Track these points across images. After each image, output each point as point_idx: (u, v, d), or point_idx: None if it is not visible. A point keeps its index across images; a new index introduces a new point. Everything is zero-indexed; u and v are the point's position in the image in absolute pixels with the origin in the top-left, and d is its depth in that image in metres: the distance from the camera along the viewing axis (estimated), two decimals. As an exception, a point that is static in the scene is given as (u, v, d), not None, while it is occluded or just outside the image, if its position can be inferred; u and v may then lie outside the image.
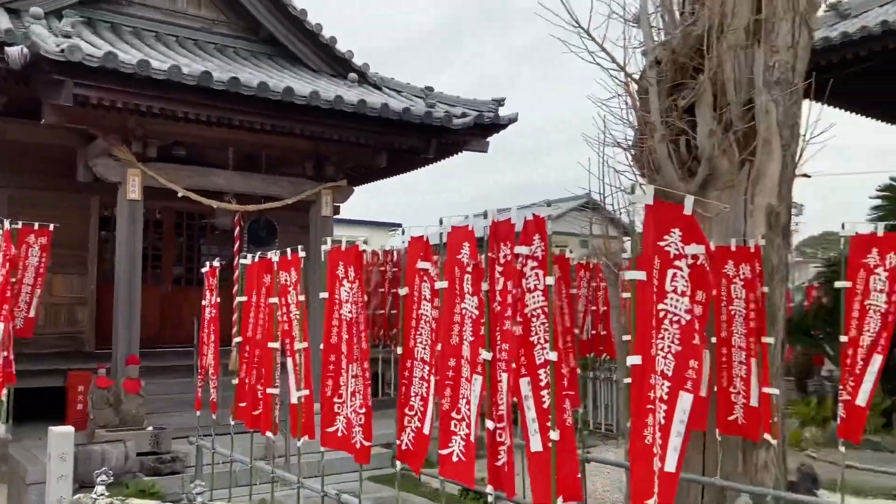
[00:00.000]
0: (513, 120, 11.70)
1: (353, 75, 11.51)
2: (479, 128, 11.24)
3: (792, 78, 5.56)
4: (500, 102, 11.82)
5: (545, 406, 3.58)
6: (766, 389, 5.02)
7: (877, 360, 4.71)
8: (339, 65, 12.03)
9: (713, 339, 5.19)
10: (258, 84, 8.84)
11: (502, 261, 3.85)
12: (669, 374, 3.17)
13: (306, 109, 9.23)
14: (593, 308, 9.95)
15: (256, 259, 6.20)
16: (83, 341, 11.50)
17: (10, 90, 9.07)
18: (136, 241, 9.51)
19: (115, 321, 9.36)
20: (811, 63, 12.11)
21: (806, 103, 5.80)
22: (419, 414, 4.35)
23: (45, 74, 7.98)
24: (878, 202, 10.26)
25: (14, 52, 7.91)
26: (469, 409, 3.94)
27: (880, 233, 4.83)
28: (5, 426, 8.16)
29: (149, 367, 9.48)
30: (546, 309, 3.65)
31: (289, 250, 5.64)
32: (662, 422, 3.11)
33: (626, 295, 4.11)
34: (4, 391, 7.81)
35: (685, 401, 3.15)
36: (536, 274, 3.68)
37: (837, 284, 4.99)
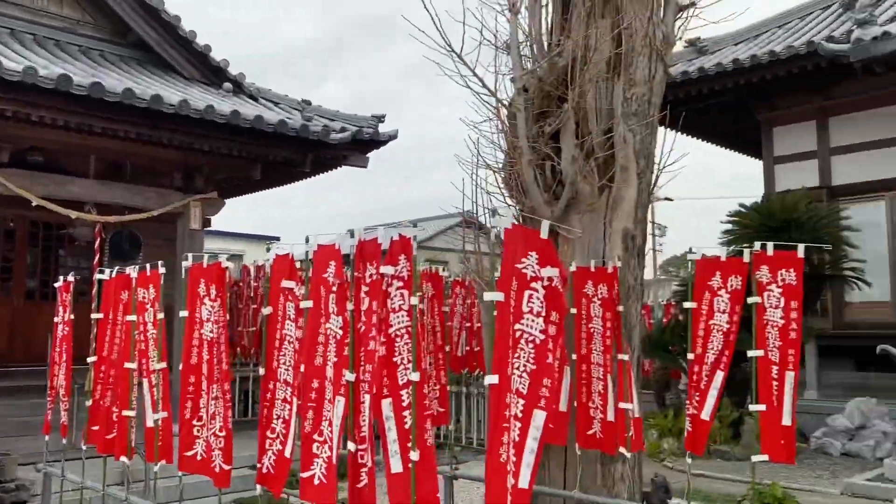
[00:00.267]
0: (393, 137, 11.77)
1: (227, 85, 11.23)
2: (359, 143, 11.23)
3: (648, 110, 5.90)
4: (380, 119, 11.88)
5: (406, 427, 3.60)
6: (621, 405, 5.26)
7: (719, 377, 5.03)
8: (214, 74, 11.70)
9: (574, 357, 5.40)
10: (123, 90, 8.46)
11: (368, 280, 3.84)
12: (524, 392, 3.27)
13: (175, 119, 8.91)
14: (468, 325, 10.15)
15: (114, 274, 5.89)
16: (-81, 360, 10.55)
17: None
18: (-18, 251, 8.82)
19: (-44, 338, 8.64)
20: (673, 94, 12.96)
21: (668, 132, 6.19)
22: (281, 437, 4.26)
23: None
24: (729, 226, 11.01)
25: None
26: (331, 431, 3.90)
27: (723, 257, 5.19)
28: None
29: (-5, 388, 8.80)
30: (410, 329, 3.68)
31: (148, 265, 5.40)
32: (517, 439, 3.20)
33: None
34: None
35: (539, 418, 3.26)
36: (401, 294, 3.70)
37: (685, 305, 5.32)
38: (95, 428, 6.02)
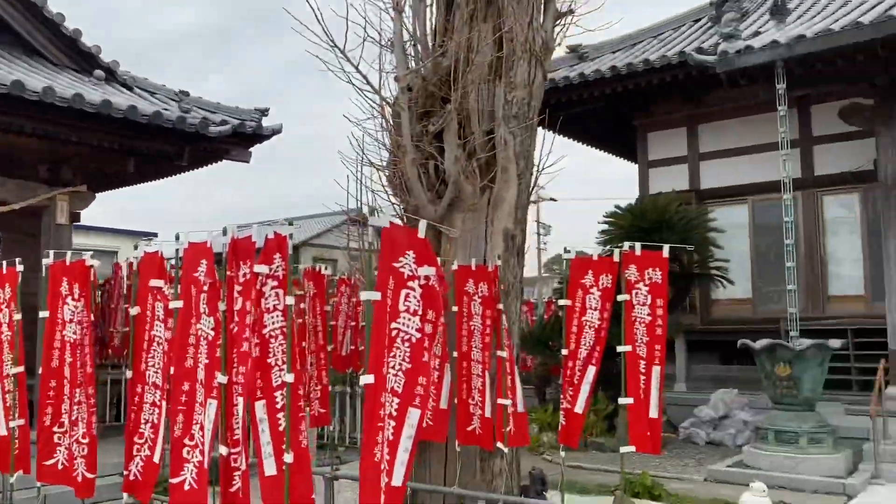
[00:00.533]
0: (277, 131, 11.49)
1: (99, 72, 10.61)
2: (241, 137, 10.89)
3: (528, 113, 6.05)
4: (263, 112, 11.57)
5: (281, 429, 3.53)
6: (500, 401, 5.37)
7: (591, 371, 5.24)
8: (85, 60, 11.02)
9: (455, 354, 5.47)
10: (-21, 74, 7.84)
11: (241, 280, 3.75)
12: (399, 391, 3.28)
13: (40, 107, 8.33)
14: (353, 323, 10.06)
15: (-35, 272, 5.46)
16: None
17: None
18: None
19: None
20: (556, 98, 13.33)
21: (549, 135, 6.35)
22: (149, 442, 4.09)
23: None
24: (605, 227, 11.47)
25: None
26: (203, 436, 3.77)
27: (595, 257, 5.40)
28: None
29: None
30: (285, 329, 3.61)
31: (4, 263, 5.04)
32: (391, 437, 3.20)
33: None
34: None
35: (413, 416, 3.27)
36: (276, 293, 3.63)
37: (560, 302, 5.50)
38: (-58, 438, 5.57)
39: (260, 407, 3.57)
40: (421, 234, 3.50)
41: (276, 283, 3.64)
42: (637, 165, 14.16)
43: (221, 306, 3.75)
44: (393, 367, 3.31)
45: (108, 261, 13.92)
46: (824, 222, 12.21)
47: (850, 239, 12.00)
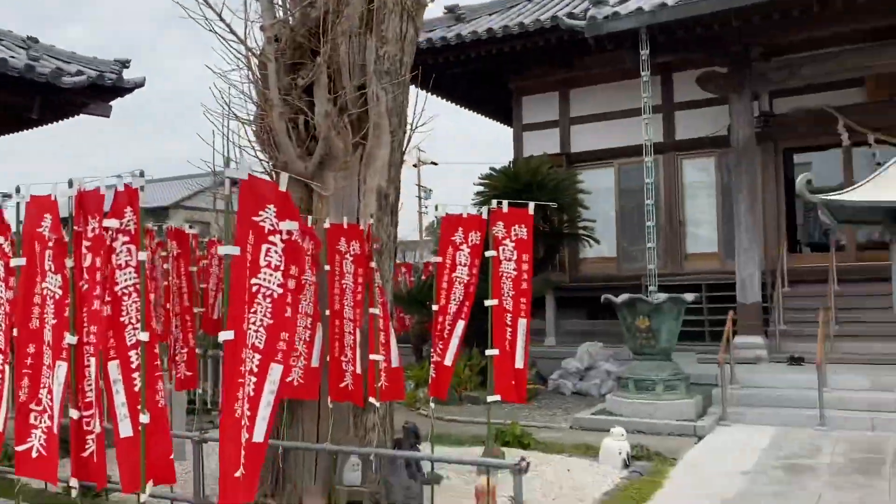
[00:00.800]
0: (139, 84, 10.89)
1: (-68, 13, 9.62)
2: (100, 90, 10.24)
3: (400, 69, 5.99)
4: (124, 64, 10.90)
5: (136, 389, 3.40)
6: (372, 356, 5.40)
7: (460, 326, 5.36)
8: (-86, -2, 9.96)
9: (327, 313, 5.43)
10: None
11: (90, 235, 3.55)
12: (261, 347, 3.23)
13: None
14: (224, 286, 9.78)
15: None
16: None
17: None
18: None
19: None
20: (433, 59, 13.26)
21: (424, 95, 6.31)
22: (-9, 409, 3.84)
23: None
24: (480, 188, 11.68)
25: None
26: (51, 400, 3.58)
27: (465, 215, 5.48)
28: None
29: None
30: (139, 287, 3.46)
31: None
32: (252, 394, 3.15)
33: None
34: None
35: (276, 372, 3.24)
36: (128, 249, 3.47)
37: (433, 259, 5.56)
38: None
39: (114, 367, 3.42)
40: (282, 187, 3.43)
41: (127, 239, 3.47)
42: (512, 129, 14.43)
43: (69, 263, 3.54)
44: (254, 324, 3.24)
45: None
46: (683, 185, 12.95)
47: (707, 201, 12.81)
